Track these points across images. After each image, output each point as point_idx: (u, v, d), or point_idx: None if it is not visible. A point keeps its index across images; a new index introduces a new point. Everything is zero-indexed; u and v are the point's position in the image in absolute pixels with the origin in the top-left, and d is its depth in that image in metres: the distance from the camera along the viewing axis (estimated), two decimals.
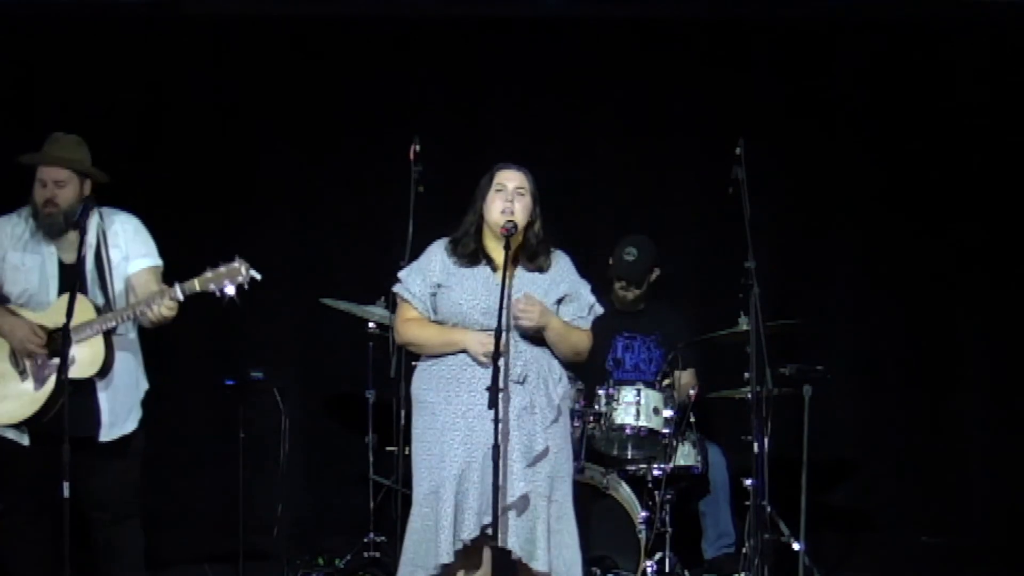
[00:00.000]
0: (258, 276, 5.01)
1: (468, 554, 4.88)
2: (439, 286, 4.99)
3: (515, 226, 4.92)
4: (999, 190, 7.47)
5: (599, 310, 5.13)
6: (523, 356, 4.93)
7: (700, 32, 7.52)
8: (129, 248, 5.26)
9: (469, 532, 4.81)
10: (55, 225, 5.16)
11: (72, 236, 5.15)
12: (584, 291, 5.10)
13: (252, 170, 7.49)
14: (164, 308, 5.01)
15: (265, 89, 7.46)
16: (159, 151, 7.35)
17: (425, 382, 5.01)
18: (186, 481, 7.30)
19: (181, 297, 5.03)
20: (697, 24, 7.52)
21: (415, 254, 5.67)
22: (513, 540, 4.80)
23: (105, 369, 5.11)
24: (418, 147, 6.15)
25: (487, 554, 4.88)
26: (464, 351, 4.91)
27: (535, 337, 4.96)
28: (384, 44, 7.48)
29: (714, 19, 7.50)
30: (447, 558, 4.82)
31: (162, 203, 7.05)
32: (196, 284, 5.01)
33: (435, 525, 4.84)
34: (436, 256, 5.04)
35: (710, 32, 7.51)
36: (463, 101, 7.57)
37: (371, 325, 6.57)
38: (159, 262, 5.29)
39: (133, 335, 5.29)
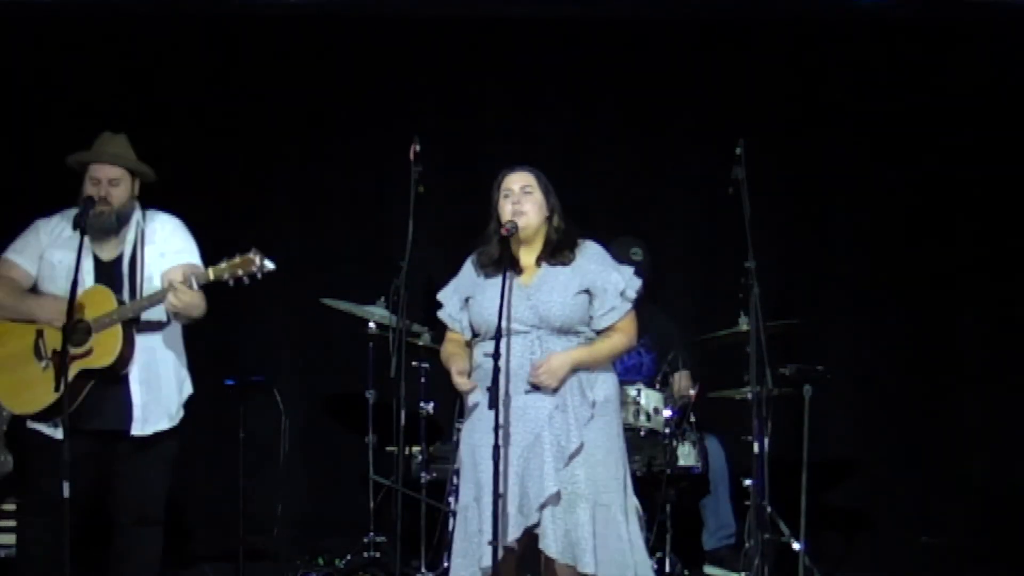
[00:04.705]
0: (273, 266, 4.99)
1: (508, 558, 4.77)
2: (467, 299, 4.99)
3: (515, 226, 4.90)
4: (999, 190, 7.47)
5: (631, 295, 4.93)
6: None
7: (700, 32, 7.51)
8: (166, 245, 5.25)
9: (511, 535, 4.73)
10: (106, 224, 5.15)
11: (116, 235, 5.15)
12: (613, 277, 4.92)
13: (252, 170, 7.48)
14: (176, 297, 4.96)
15: (265, 89, 7.45)
16: (158, 151, 7.33)
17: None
18: (186, 481, 7.28)
19: (195, 286, 5.01)
20: (697, 24, 7.52)
21: (415, 254, 5.67)
22: (550, 543, 4.73)
23: (123, 360, 5.06)
24: (418, 147, 6.14)
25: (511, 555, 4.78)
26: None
27: (562, 335, 4.87)
28: (384, 44, 7.48)
29: (714, 19, 7.50)
30: (486, 562, 4.71)
31: (161, 203, 7.04)
32: (210, 273, 5.00)
33: (478, 530, 4.78)
34: (466, 270, 5.06)
35: (710, 32, 7.51)
36: (463, 101, 7.57)
37: (371, 325, 6.56)
38: (195, 260, 5.24)
39: (176, 333, 5.26)
